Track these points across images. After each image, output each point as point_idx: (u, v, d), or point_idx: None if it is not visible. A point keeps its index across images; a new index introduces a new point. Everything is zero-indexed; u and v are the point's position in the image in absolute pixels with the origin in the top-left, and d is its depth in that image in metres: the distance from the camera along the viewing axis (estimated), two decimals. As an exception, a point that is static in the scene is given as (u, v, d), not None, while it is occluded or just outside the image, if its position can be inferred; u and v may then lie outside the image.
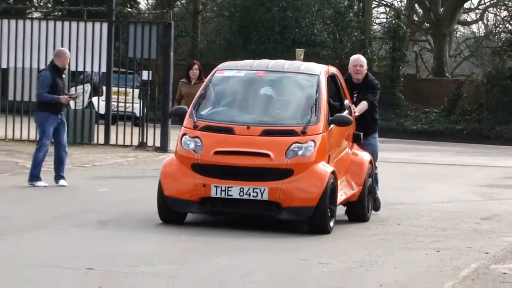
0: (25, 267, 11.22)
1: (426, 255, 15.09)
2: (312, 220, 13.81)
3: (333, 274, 11.62)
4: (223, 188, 13.55)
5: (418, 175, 30.43)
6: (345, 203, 15.73)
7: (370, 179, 16.38)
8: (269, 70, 16.16)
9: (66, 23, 34.19)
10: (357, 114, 15.99)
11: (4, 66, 34.39)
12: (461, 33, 68.08)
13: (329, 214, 13.92)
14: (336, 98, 16.06)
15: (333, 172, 14.08)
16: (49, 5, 56.85)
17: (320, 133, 14.02)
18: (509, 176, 30.47)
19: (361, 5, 59.37)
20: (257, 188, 13.45)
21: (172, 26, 36.03)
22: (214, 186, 13.53)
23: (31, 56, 33.56)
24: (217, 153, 13.66)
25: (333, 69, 16.59)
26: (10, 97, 34.87)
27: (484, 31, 65.33)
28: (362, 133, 16.32)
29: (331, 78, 16.09)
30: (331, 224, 14.08)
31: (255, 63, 17.75)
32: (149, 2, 60.65)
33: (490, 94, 51.97)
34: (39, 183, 19.80)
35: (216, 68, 15.97)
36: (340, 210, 15.98)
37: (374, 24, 62.62)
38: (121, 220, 15.29)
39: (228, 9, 56.53)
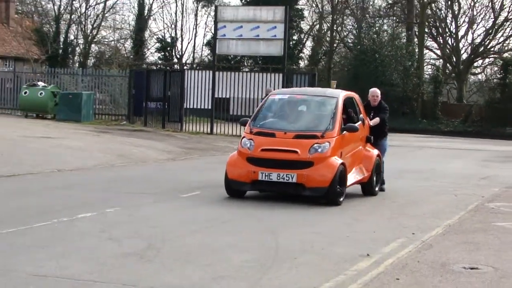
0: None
1: (449, 198, 20.89)
2: (326, 196, 17.49)
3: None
4: (266, 174, 17.42)
5: (447, 154, 39.49)
6: (360, 183, 19.60)
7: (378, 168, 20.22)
8: (304, 93, 20.92)
9: (261, 74, 43.66)
10: (371, 124, 20.37)
11: (227, 96, 43.19)
12: (472, 79, 75.49)
13: (338, 193, 17.59)
14: (354, 113, 19.64)
15: (342, 164, 17.69)
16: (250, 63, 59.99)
17: (334, 137, 17.68)
18: (497, 155, 39.12)
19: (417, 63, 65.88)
20: (289, 174, 17.24)
21: (316, 76, 44.41)
22: (261, 172, 17.45)
23: (241, 90, 41.77)
24: (262, 150, 17.67)
25: (353, 94, 20.80)
26: (231, 113, 41.90)
27: (484, 77, 73.88)
28: (372, 137, 20.25)
29: (350, 100, 19.99)
30: (341, 199, 17.76)
31: (296, 90, 25.34)
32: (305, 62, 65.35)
33: (487, 112, 61.17)
34: None
35: (270, 93, 21.38)
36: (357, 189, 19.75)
37: (426, 74, 70.17)
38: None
39: (346, 66, 65.58)
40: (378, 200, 19.66)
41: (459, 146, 43.68)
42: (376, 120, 20.42)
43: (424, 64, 69.29)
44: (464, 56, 69.60)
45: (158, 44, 67.52)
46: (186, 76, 44.46)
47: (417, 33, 68.23)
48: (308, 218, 16.43)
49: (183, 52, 67.51)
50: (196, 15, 68.31)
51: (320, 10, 68.01)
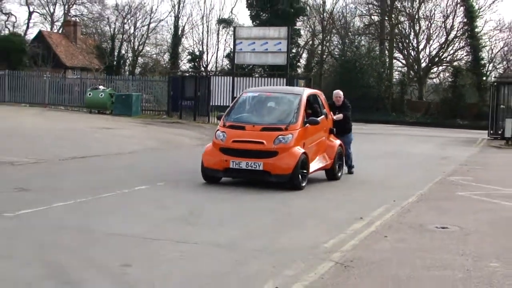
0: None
1: (418, 173, 20.97)
2: (289, 182, 15.48)
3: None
4: (237, 162, 15.50)
5: (412, 140, 37.98)
6: (324, 169, 17.68)
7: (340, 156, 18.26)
8: (272, 91, 19.23)
9: (269, 78, 43.60)
10: (335, 119, 18.60)
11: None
12: (430, 82, 74.01)
13: (300, 178, 15.59)
14: (319, 108, 17.68)
15: (304, 153, 15.78)
16: (260, 70, 57.87)
17: (297, 129, 15.76)
18: (451, 141, 37.81)
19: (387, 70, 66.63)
20: (256, 163, 15.34)
21: (312, 80, 45.50)
22: (232, 161, 15.54)
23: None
24: (233, 141, 15.73)
25: (317, 92, 18.99)
26: None
27: (439, 81, 72.15)
28: (339, 130, 18.60)
29: (314, 97, 18.09)
30: (303, 184, 15.75)
31: (267, 88, 23.24)
32: (301, 69, 63.68)
33: (442, 107, 60.31)
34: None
35: (243, 91, 19.26)
36: (322, 175, 17.69)
37: (394, 78, 69.49)
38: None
39: (333, 73, 65.83)
40: (362, 176, 19.27)
41: (421, 134, 43.29)
42: (340, 116, 18.79)
43: (393, 71, 69.27)
44: (423, 64, 69.58)
45: (189, 57, 67.70)
46: (211, 80, 44.51)
47: (387, 47, 67.91)
48: (309, 192, 15.83)
49: (208, 62, 68.10)
50: (218, 34, 68.37)
51: (313, 29, 68.10)
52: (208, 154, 16.08)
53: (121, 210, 12.59)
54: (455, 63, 65.95)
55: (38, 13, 72.35)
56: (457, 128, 52.10)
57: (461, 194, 16.19)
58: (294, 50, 56.02)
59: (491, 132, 41.09)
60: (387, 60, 67.21)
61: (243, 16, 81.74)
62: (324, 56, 68.53)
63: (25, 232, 10.19)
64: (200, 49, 68.39)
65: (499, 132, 39.07)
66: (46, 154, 20.84)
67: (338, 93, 19.65)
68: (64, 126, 32.08)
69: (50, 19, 72.37)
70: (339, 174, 18.22)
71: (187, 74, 52.07)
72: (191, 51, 68.68)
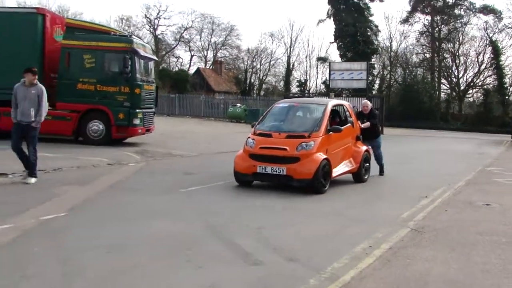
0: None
1: (463, 165, 19.32)
2: (310, 186, 11.75)
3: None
4: (263, 167, 11.85)
5: (455, 140, 31.15)
6: (350, 173, 13.74)
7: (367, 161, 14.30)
8: (301, 102, 14.71)
9: (353, 98, 43.83)
10: (362, 127, 14.59)
11: None
12: (467, 100, 67.61)
13: (322, 183, 11.85)
14: (344, 118, 13.94)
15: (326, 159, 12.04)
16: (345, 92, 60.67)
17: (320, 137, 12.13)
18: (485, 142, 31.64)
19: (437, 91, 63.72)
20: (280, 168, 11.73)
21: (384, 99, 42.72)
22: (259, 166, 11.91)
23: None
24: (261, 148, 12.08)
25: (343, 102, 14.87)
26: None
27: (474, 99, 66.11)
28: (368, 136, 14.93)
29: (341, 107, 14.19)
30: (325, 188, 11.96)
31: (297, 99, 16.81)
32: (375, 91, 53.85)
33: (476, 118, 57.21)
34: None
35: (276, 102, 14.68)
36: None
37: (441, 97, 65.73)
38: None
39: (398, 94, 61.77)
40: (422, 166, 18.50)
41: (461, 137, 41.47)
42: (367, 124, 14.84)
43: (440, 92, 65.75)
44: (462, 87, 66.75)
45: (297, 83, 67.48)
46: (313, 100, 44.07)
47: (436, 75, 65.67)
48: (389, 177, 15.14)
49: (310, 87, 67.61)
50: (317, 67, 67.97)
51: (383, 63, 66.65)
52: (239, 159, 12.47)
53: (257, 185, 12.15)
54: (485, 86, 63.46)
55: (197, 56, 73.67)
56: (487, 133, 49.49)
57: (497, 180, 15.29)
58: (370, 78, 54.68)
59: (512, 136, 39.16)
60: (436, 84, 64.44)
61: (334, 55, 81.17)
62: (392, 82, 66.50)
63: (193, 203, 10.14)
64: (305, 78, 68.18)
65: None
66: (203, 149, 20.89)
67: (366, 103, 15.74)
68: (214, 131, 32.51)
69: (204, 59, 73.64)
70: (366, 177, 14.23)
71: (296, 96, 52.59)
72: (298, 79, 68.50)
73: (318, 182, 11.73)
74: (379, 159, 15.53)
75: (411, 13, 65.71)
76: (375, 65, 64.09)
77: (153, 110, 21.45)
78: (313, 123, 12.53)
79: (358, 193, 12.23)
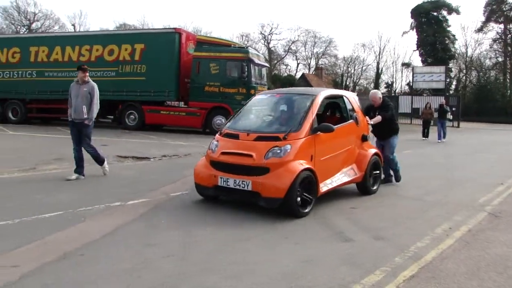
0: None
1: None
2: (282, 208, 6.71)
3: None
4: (225, 179, 6.94)
5: None
6: (354, 183, 8.54)
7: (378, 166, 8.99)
8: (285, 92, 8.41)
9: (432, 97, 40.60)
10: (371, 123, 9.28)
11: (417, 106, 38.69)
12: None
13: (298, 205, 6.74)
14: (345, 112, 8.67)
15: (308, 169, 6.86)
16: (425, 92, 56.56)
17: (300, 138, 6.95)
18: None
19: (509, 90, 58.48)
20: (244, 181, 6.79)
21: (460, 97, 39.66)
22: (220, 177, 7.02)
23: (422, 105, 38.63)
24: (222, 153, 7.12)
25: (344, 92, 9.18)
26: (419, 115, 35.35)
27: None
28: (380, 134, 9.84)
29: (341, 99, 8.78)
30: (306, 210, 6.88)
31: (282, 89, 8.92)
32: (452, 91, 49.10)
33: None
34: None
35: (256, 94, 9.11)
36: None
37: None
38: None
39: (473, 93, 56.48)
40: (503, 156, 16.51)
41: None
42: (378, 118, 9.39)
43: (512, 91, 61.36)
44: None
45: (385, 85, 65.62)
46: (399, 99, 41.52)
47: (508, 76, 60.36)
48: (471, 164, 13.71)
49: (396, 88, 65.04)
50: (402, 71, 65.63)
51: (459, 67, 62.31)
52: (199, 167, 7.54)
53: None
54: (554, 85, 57.99)
55: (302, 63, 72.84)
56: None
57: None
58: (448, 80, 51.30)
59: None
60: (508, 84, 59.08)
61: (416, 61, 75.37)
62: (467, 83, 61.82)
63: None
64: (391, 80, 65.83)
65: None
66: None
67: (373, 94, 9.87)
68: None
69: (308, 66, 72.60)
70: (375, 187, 8.88)
71: (385, 95, 50.56)
72: (386, 81, 66.27)
73: (293, 203, 6.70)
74: (390, 164, 9.94)
75: (485, 23, 61.31)
76: (452, 69, 60.26)
77: (265, 107, 21.27)
78: (293, 120, 7.36)
79: (440, 178, 11.02)
